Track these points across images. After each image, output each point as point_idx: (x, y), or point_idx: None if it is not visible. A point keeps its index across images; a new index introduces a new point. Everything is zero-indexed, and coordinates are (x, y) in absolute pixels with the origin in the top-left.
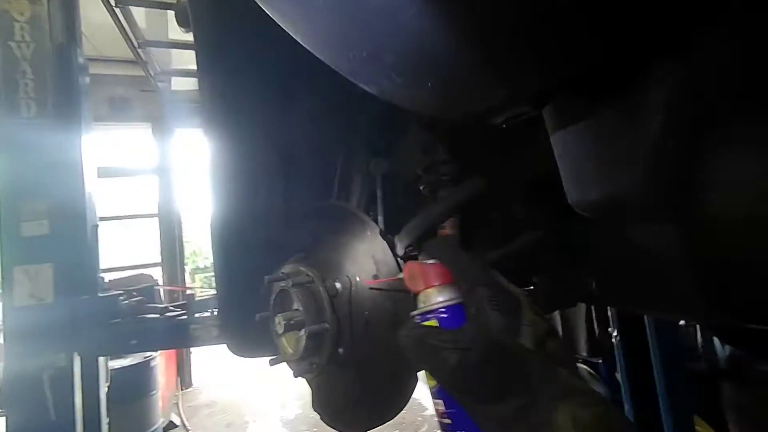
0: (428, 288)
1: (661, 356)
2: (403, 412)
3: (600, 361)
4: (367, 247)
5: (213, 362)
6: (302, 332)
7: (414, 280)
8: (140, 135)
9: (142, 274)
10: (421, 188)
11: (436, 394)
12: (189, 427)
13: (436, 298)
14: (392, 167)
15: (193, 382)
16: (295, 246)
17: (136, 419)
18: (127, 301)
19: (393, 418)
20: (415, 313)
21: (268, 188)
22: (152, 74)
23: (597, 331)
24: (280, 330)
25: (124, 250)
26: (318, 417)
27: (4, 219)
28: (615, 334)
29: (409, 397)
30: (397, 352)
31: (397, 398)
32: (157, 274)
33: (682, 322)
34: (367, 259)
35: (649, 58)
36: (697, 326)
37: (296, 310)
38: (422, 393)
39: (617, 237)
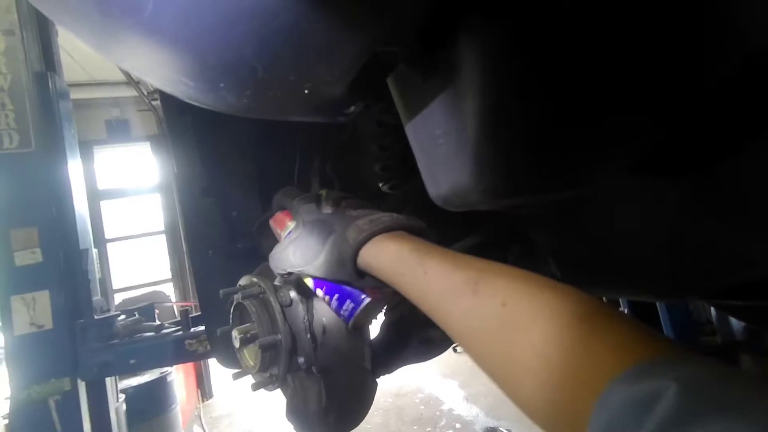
0: (282, 229)
1: (673, 331)
2: (420, 407)
3: None
4: None
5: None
6: (256, 345)
7: (276, 233)
8: (140, 154)
9: (155, 291)
10: (380, 185)
11: (313, 285)
12: None
13: (285, 232)
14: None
15: (213, 393)
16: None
17: None
18: (122, 322)
19: (359, 424)
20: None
21: (243, 198)
22: (146, 93)
23: None
24: (237, 344)
25: (137, 269)
26: None
27: None
28: (624, 310)
29: (371, 402)
30: (353, 357)
31: (360, 403)
32: (169, 290)
33: None
34: None
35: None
36: None
37: (253, 322)
38: (439, 388)
39: (570, 220)
